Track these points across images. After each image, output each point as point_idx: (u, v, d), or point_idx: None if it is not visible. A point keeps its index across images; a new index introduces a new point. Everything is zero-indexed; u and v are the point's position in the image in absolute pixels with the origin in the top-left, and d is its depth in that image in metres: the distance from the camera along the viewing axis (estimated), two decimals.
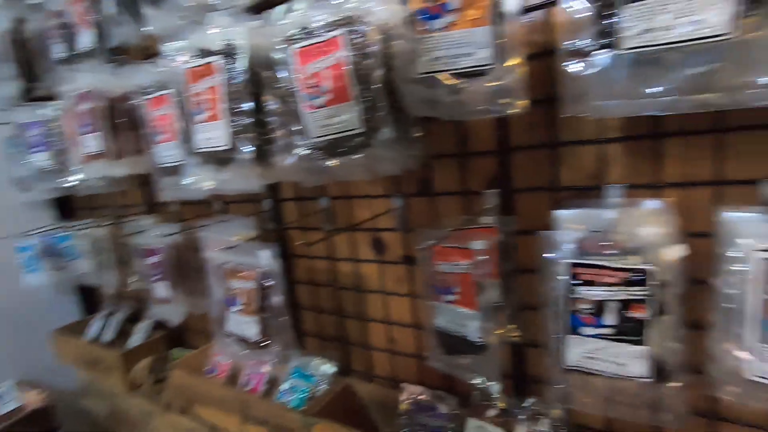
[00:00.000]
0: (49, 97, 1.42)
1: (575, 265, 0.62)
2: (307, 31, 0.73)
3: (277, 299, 0.89)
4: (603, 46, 0.48)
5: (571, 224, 0.67)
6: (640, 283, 0.58)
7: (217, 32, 0.81)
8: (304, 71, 0.74)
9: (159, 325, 1.67)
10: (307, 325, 1.32)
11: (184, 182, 0.88)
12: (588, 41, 0.49)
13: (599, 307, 0.62)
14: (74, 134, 1.20)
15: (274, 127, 0.82)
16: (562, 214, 0.69)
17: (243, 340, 0.93)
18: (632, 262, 0.60)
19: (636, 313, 0.59)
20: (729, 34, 0.41)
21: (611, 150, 0.78)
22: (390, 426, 1.11)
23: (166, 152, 0.96)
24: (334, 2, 0.69)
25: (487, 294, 0.70)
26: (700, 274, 0.70)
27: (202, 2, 0.91)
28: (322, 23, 0.71)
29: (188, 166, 0.88)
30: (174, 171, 0.96)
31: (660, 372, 0.60)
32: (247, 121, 0.79)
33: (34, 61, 1.51)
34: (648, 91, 0.46)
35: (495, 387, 0.74)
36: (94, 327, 1.77)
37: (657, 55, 0.46)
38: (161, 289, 1.16)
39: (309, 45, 0.72)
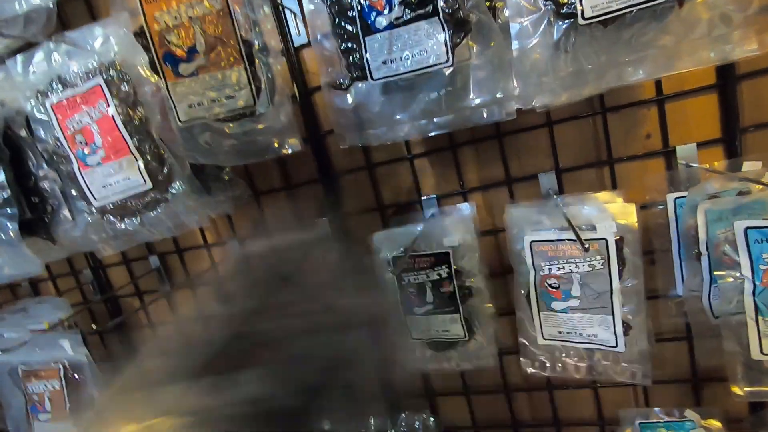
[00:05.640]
0: None
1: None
2: (62, 81, 0.63)
3: (93, 392, 0.75)
4: (356, 78, 0.49)
5: (387, 244, 0.69)
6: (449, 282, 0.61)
7: None
8: (68, 127, 0.63)
9: None
10: None
11: None
12: (343, 74, 0.50)
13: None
14: None
15: (49, 195, 0.69)
16: (378, 236, 0.70)
17: None
18: (439, 272, 0.63)
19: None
20: (447, 62, 0.44)
21: (420, 164, 0.82)
22: None
23: None
24: (84, 49, 0.60)
25: None
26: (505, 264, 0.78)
27: None
28: (77, 72, 0.62)
29: None
30: None
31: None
32: (6, 193, 0.66)
33: None
34: (401, 116, 0.48)
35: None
36: None
37: (402, 84, 0.48)
38: None
39: (67, 98, 0.62)
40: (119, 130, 0.62)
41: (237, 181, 0.78)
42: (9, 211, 0.65)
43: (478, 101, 0.44)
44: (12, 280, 0.70)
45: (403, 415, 0.91)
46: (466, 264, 0.66)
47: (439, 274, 0.64)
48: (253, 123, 0.51)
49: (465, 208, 0.74)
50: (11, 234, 0.66)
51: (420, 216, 0.79)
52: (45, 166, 0.69)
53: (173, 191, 0.64)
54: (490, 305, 0.68)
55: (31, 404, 0.75)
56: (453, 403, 0.92)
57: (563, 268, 0.59)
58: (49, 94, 0.63)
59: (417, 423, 0.89)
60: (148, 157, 0.63)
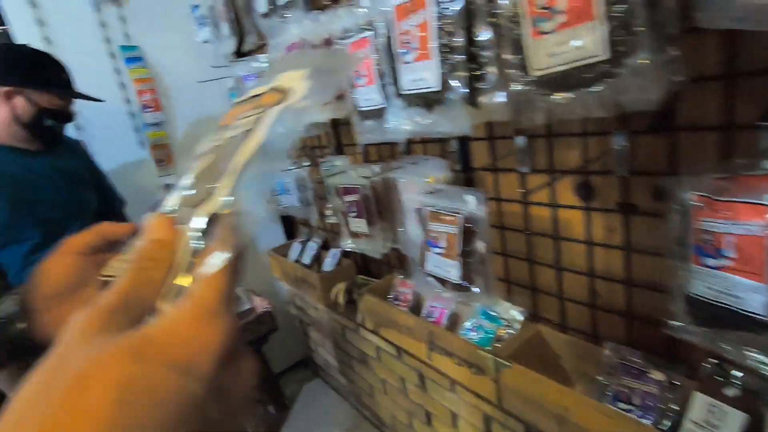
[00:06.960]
0: (257, 51, 1.59)
1: None
2: None
3: (480, 245, 0.87)
4: None
5: None
6: None
7: None
8: None
9: (345, 254, 1.87)
10: (494, 267, 1.30)
11: (386, 126, 0.89)
12: None
13: None
14: None
15: (485, 62, 0.74)
16: None
17: (442, 281, 0.95)
18: None
19: None
20: None
21: None
22: (586, 381, 1.05)
23: (366, 96, 0.98)
24: None
25: None
26: None
27: None
28: None
29: (391, 109, 0.88)
30: (373, 114, 0.99)
31: None
32: (459, 57, 0.74)
33: (242, 18, 1.70)
34: None
35: None
36: (295, 251, 2.09)
37: None
38: (358, 225, 1.27)
39: None
40: None
41: (678, 62, 0.65)
42: (460, 74, 0.74)
43: None
44: (443, 135, 0.83)
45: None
46: None
47: None
48: None
49: None
50: (458, 96, 0.75)
51: None
52: (488, 33, 0.73)
53: (630, 65, 0.58)
54: None
55: (429, 239, 0.94)
56: None
57: None
58: None
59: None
60: (615, 24, 0.57)
